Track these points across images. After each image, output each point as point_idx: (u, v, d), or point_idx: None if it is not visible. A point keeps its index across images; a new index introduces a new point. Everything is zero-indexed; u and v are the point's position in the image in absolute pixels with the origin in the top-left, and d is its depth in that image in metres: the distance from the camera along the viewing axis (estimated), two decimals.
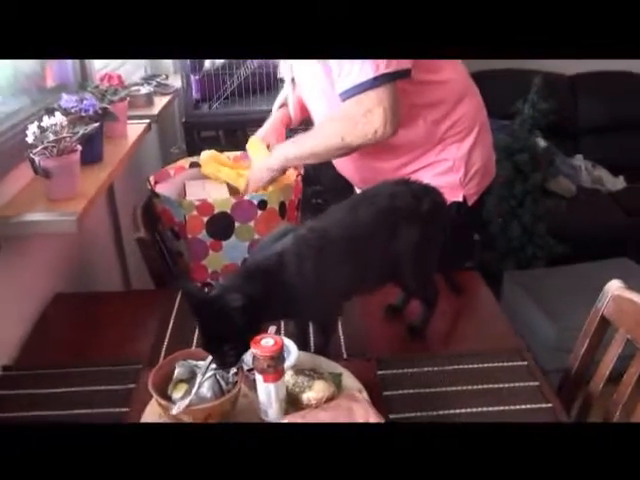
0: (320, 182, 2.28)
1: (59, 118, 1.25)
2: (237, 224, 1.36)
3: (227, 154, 1.61)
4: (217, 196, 1.41)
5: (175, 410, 0.90)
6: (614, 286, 1.18)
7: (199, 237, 1.37)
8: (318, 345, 1.13)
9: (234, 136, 2.40)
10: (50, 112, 1.33)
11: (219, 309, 0.92)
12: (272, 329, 1.11)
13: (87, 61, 1.89)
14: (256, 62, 2.12)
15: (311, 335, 1.17)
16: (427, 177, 1.29)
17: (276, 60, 2.40)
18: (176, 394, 0.94)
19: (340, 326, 1.21)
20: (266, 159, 1.42)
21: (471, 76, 1.46)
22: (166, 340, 1.24)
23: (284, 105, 1.59)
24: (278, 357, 0.91)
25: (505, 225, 2.69)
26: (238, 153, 1.62)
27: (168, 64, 2.70)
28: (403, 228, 1.10)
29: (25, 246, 1.34)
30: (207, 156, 1.56)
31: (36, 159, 1.21)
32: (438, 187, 1.20)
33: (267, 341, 0.91)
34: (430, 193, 1.16)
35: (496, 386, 1.09)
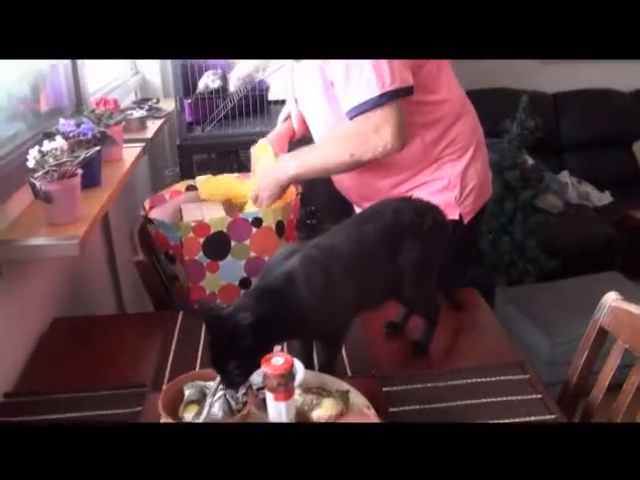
0: (313, 202, 2.29)
1: (60, 142, 1.25)
2: (233, 243, 1.37)
3: (230, 175, 1.64)
4: (213, 216, 1.42)
5: None
6: (611, 298, 1.20)
7: (196, 259, 1.37)
8: (323, 363, 1.13)
9: (227, 159, 2.41)
10: (49, 136, 1.33)
11: (230, 327, 0.93)
12: (277, 348, 1.11)
13: (81, 85, 1.91)
14: (248, 85, 2.15)
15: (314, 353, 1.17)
16: (423, 195, 1.31)
17: (267, 83, 2.44)
18: (187, 415, 0.94)
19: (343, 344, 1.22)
20: (274, 171, 1.42)
21: None
22: (169, 362, 1.23)
23: (288, 118, 1.62)
24: (289, 375, 0.91)
25: (495, 241, 2.72)
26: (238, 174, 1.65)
27: (158, 88, 2.72)
28: (407, 244, 1.12)
29: (24, 271, 1.34)
30: (206, 179, 1.57)
31: (37, 183, 1.21)
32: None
33: (277, 360, 0.91)
34: (432, 210, 1.19)
35: (500, 399, 1.10)
